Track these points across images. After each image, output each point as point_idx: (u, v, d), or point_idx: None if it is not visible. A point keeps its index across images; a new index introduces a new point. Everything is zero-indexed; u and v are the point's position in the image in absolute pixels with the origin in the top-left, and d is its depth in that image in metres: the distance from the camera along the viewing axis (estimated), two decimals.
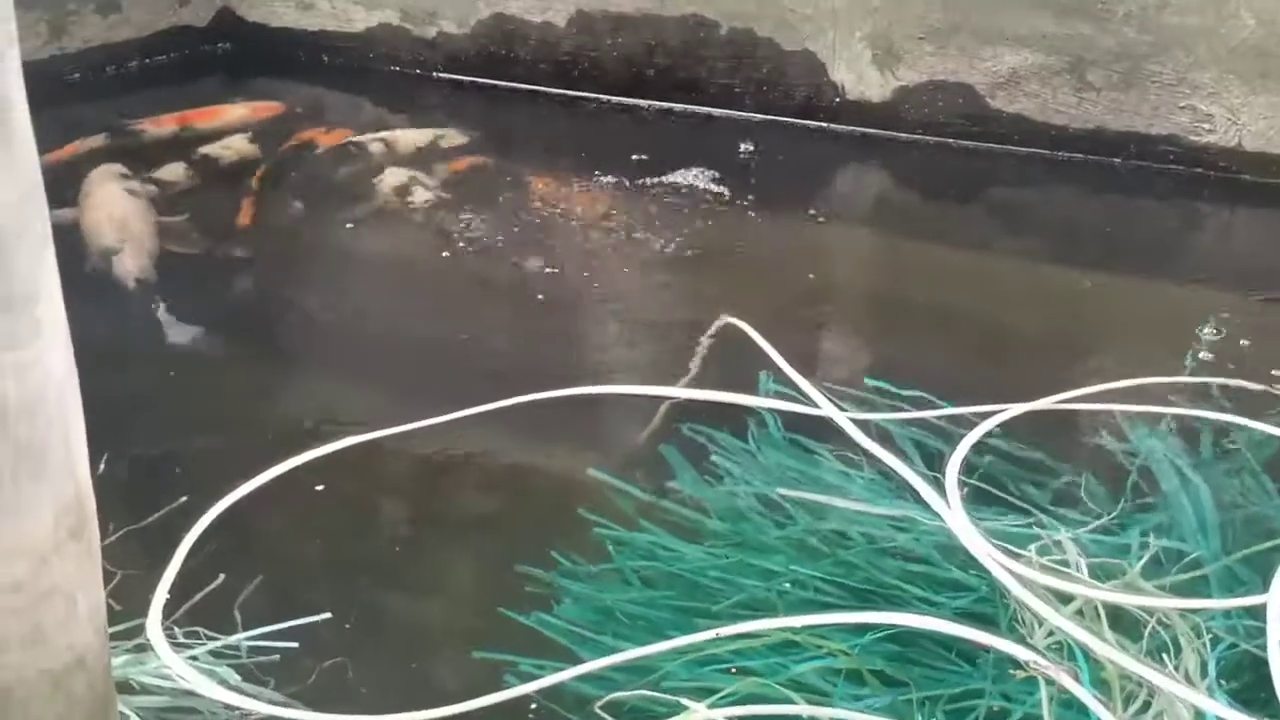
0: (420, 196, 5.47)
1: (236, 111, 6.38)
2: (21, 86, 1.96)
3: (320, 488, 3.74)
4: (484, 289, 4.90)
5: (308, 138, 6.03)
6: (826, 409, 3.96)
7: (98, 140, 6.01)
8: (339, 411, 4.12)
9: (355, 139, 5.98)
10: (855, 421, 3.89)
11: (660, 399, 4.10)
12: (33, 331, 1.99)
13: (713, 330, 4.45)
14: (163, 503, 3.56)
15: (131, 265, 4.88)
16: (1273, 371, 4.13)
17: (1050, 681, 2.86)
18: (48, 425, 2.05)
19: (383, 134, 6.02)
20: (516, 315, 4.73)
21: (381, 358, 4.53)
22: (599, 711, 2.86)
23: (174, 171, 5.77)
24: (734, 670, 2.97)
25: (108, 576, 3.06)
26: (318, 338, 4.72)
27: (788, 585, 3.24)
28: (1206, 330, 4.34)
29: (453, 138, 6.06)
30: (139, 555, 3.30)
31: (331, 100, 6.86)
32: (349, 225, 5.38)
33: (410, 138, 5.98)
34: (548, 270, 4.95)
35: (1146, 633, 3.01)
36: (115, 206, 5.26)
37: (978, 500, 3.52)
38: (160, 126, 6.22)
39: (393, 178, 5.63)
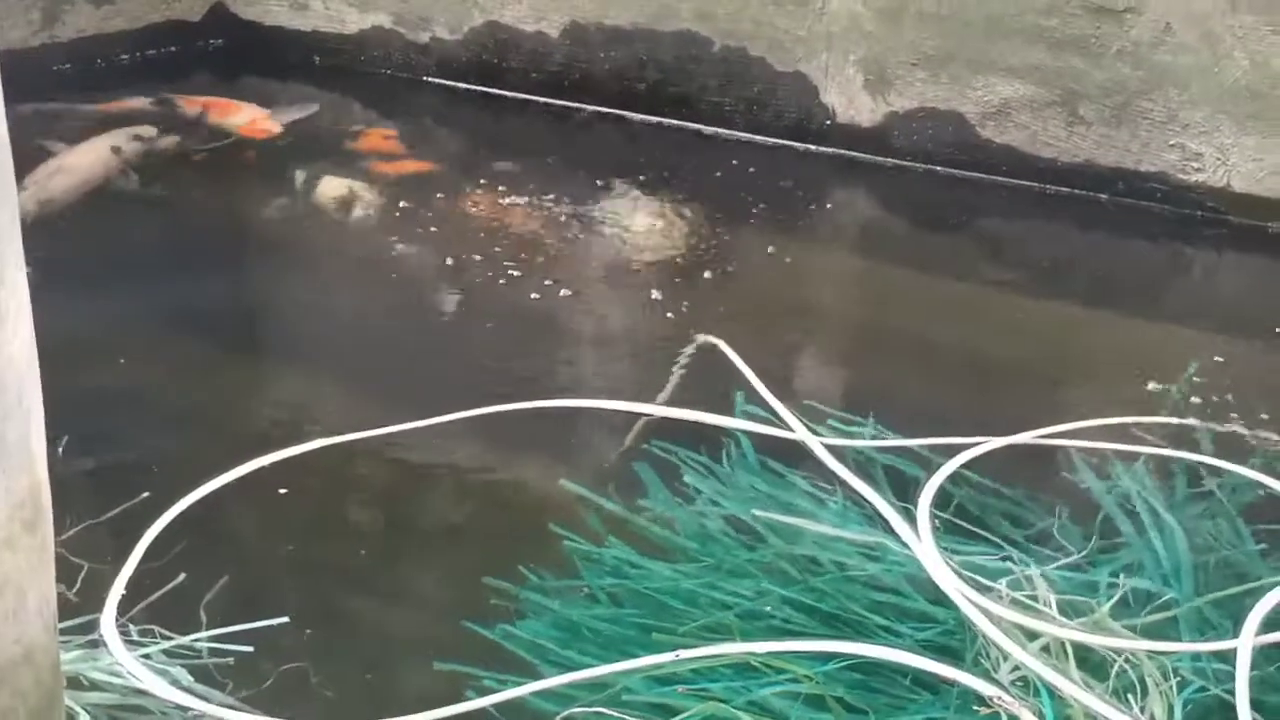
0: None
1: (240, 116, 6.36)
2: None
3: (283, 491, 3.71)
4: (449, 298, 4.87)
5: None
6: (801, 433, 3.93)
7: (142, 102, 6.29)
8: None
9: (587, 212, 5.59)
10: (829, 447, 3.87)
11: (635, 415, 4.08)
12: None
13: (690, 349, 4.42)
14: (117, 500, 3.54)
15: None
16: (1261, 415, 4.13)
17: (1013, 718, 2.84)
18: (6, 416, 2.01)
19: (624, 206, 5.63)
20: (484, 329, 4.69)
21: (347, 359, 4.50)
22: None
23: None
24: (684, 690, 2.95)
25: (73, 570, 3.06)
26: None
27: (769, 608, 3.22)
28: (1187, 372, 4.31)
29: (672, 223, 5.50)
30: (95, 551, 3.27)
31: (321, 101, 6.83)
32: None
33: (643, 222, 5.51)
34: (523, 283, 4.94)
35: (1113, 673, 2.99)
36: (73, 157, 5.48)
37: (949, 532, 3.50)
38: (191, 106, 6.39)
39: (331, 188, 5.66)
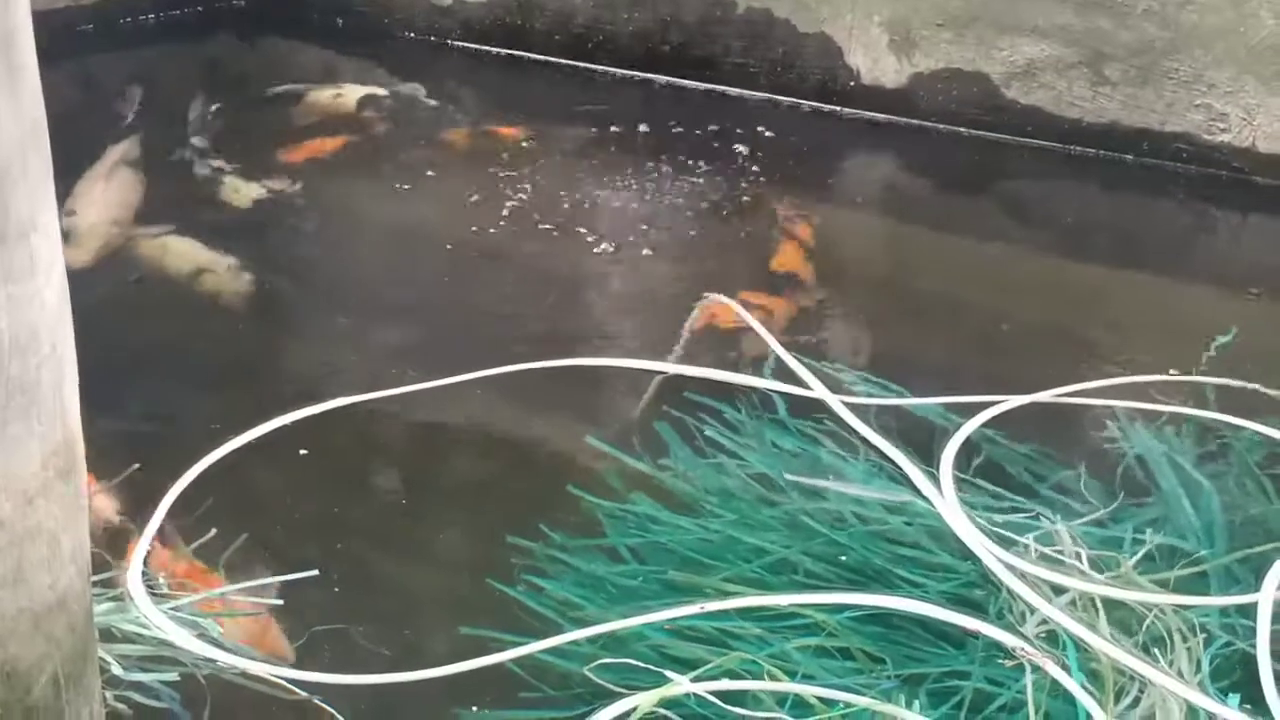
0: None
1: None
2: (29, 19, 1.94)
3: (304, 452, 3.72)
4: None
5: None
6: (820, 391, 3.94)
7: None
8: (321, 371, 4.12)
9: None
10: (850, 405, 3.88)
11: (653, 373, 4.08)
12: (28, 267, 1.97)
13: (700, 306, 4.43)
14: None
15: None
16: None
17: (1036, 668, 2.86)
18: (40, 364, 2.03)
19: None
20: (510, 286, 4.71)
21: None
22: (582, 680, 2.86)
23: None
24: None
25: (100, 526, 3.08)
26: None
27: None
28: (1211, 331, 4.31)
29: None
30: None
31: (344, 64, 6.83)
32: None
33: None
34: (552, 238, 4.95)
35: (1144, 627, 3.01)
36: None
37: (971, 489, 3.51)
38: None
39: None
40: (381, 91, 6.15)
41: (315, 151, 5.64)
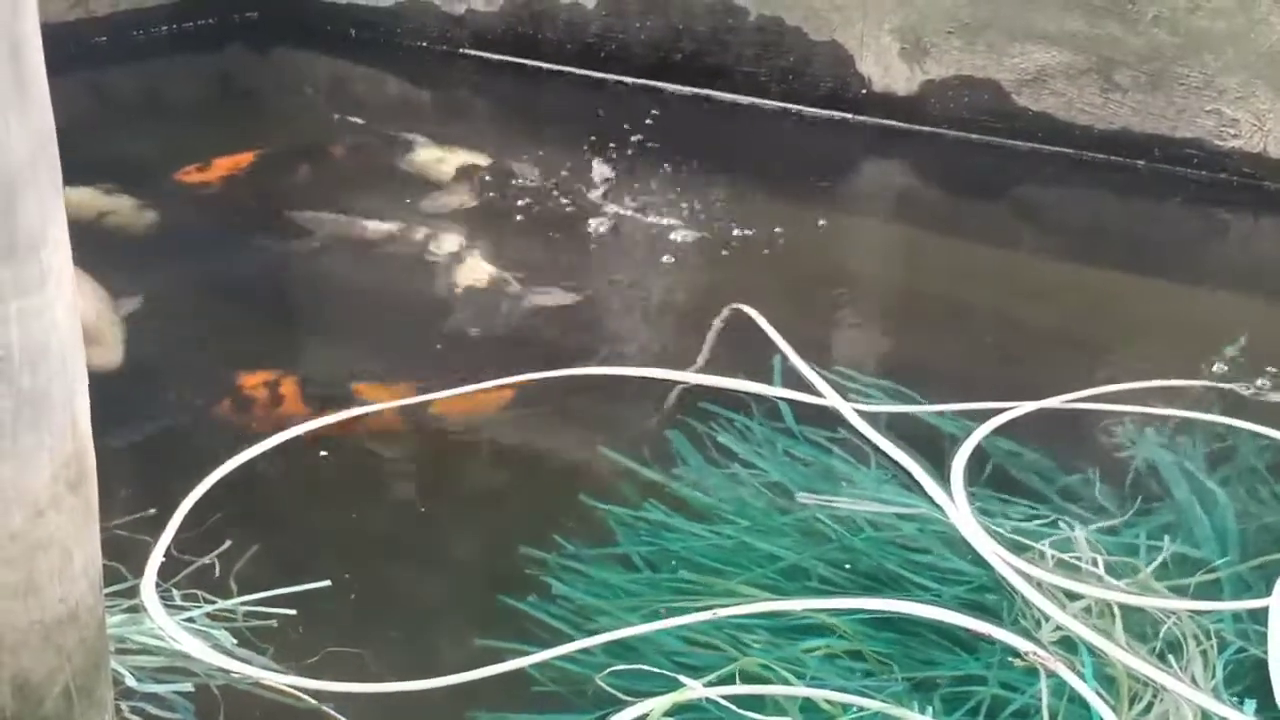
0: None
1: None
2: (37, 28, 1.95)
3: (324, 454, 3.73)
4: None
5: None
6: (833, 399, 3.94)
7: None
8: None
9: None
10: (862, 413, 3.87)
11: (670, 383, 4.09)
12: (38, 281, 1.99)
13: (722, 317, 4.43)
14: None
15: None
16: None
17: (1052, 674, 2.85)
18: (50, 377, 2.05)
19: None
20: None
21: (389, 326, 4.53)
22: (595, 687, 2.86)
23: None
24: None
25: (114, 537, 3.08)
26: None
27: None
28: (1223, 336, 4.30)
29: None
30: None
31: (358, 74, 6.86)
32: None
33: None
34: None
35: (1160, 634, 3.00)
36: None
37: (982, 496, 3.51)
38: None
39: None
40: (482, 162, 5.69)
41: (229, 169, 5.58)
